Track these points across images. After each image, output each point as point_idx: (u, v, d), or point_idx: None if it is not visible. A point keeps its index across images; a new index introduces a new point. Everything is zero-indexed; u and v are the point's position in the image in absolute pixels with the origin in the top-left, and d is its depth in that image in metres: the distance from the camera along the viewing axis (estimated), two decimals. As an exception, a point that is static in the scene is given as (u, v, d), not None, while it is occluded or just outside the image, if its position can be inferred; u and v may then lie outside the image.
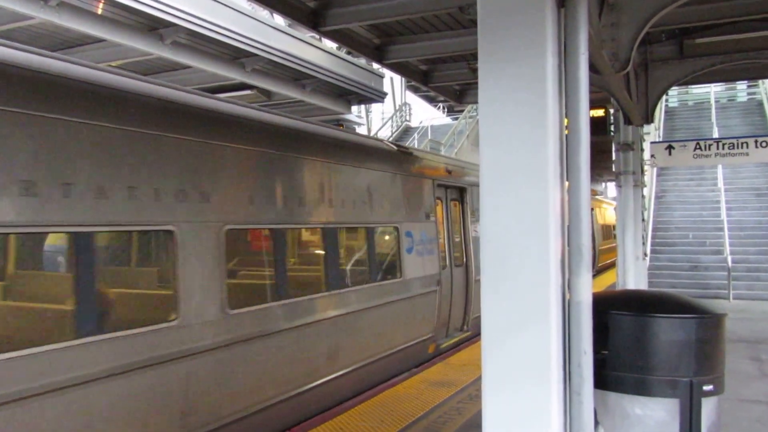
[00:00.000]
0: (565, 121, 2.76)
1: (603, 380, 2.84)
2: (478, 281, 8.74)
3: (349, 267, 6.31)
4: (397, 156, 7.52)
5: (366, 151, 6.94)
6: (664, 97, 16.65)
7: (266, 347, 4.82)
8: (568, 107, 2.73)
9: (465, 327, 8.90)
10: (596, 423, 2.86)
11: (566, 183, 2.75)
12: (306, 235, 5.81)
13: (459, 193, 9.05)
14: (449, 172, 8.78)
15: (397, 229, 7.01)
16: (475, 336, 8.54)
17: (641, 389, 2.78)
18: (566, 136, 2.75)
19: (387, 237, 7.02)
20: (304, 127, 5.94)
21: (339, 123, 15.46)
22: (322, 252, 5.81)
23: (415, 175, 7.69)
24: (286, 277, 5.19)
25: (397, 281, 6.90)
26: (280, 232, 5.16)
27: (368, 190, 6.54)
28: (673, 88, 10.65)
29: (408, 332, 7.07)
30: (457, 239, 8.90)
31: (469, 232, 9.05)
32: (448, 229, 8.58)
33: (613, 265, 19.98)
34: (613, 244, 21.15)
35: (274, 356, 4.93)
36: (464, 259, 8.94)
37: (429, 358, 7.52)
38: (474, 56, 8.49)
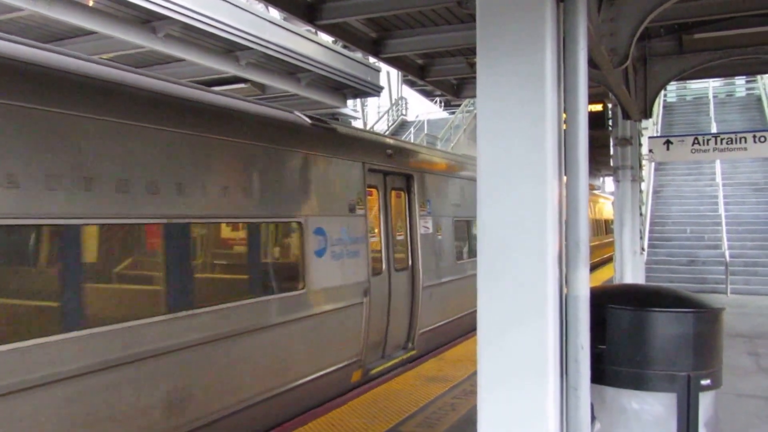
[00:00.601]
0: (563, 116, 2.78)
1: (600, 375, 2.87)
2: (428, 288, 7.61)
3: (212, 276, 4.84)
4: (309, 131, 5.91)
5: (255, 121, 5.33)
6: (663, 92, 16.71)
7: (43, 401, 3.30)
8: (566, 102, 2.75)
9: (410, 344, 7.33)
10: (593, 418, 2.89)
11: (564, 178, 2.77)
12: (131, 234, 4.08)
13: (404, 181, 7.56)
14: (390, 155, 7.23)
15: (300, 225, 5.48)
16: (425, 355, 7.44)
17: (639, 384, 2.82)
18: (564, 131, 2.76)
19: (283, 235, 5.58)
20: (134, 81, 4.35)
21: (334, 116, 15.44)
22: (161, 257, 4.20)
23: (336, 157, 6.13)
24: (82, 294, 3.62)
25: (295, 294, 5.36)
26: (75, 230, 3.59)
27: (254, 173, 5.06)
28: (672, 83, 10.68)
29: (316, 360, 5.59)
30: (401, 237, 7.46)
31: (417, 228, 7.57)
32: (386, 226, 7.07)
33: (604, 263, 20.04)
34: (605, 241, 21.20)
35: (65, 413, 3.42)
36: (409, 262, 7.43)
37: (352, 387, 6.14)
38: (471, 50, 8.49)
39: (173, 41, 10.23)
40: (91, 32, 9.43)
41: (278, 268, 5.54)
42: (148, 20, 9.55)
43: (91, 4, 8.83)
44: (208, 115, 4.77)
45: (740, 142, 10.09)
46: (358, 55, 14.02)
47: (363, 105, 25.60)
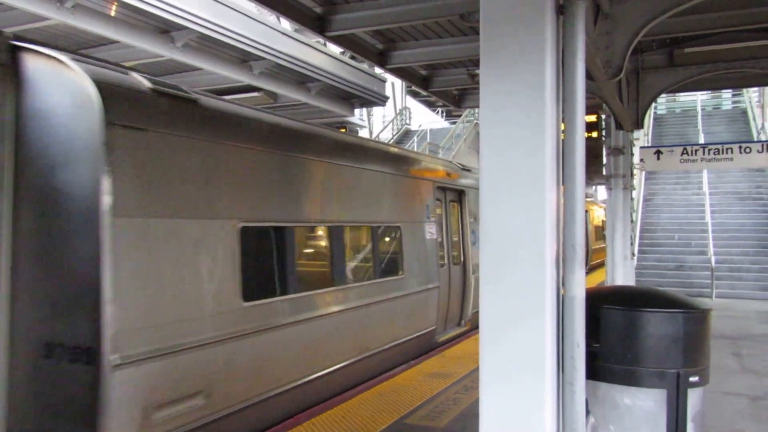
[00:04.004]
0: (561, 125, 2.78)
1: (594, 372, 2.86)
2: None
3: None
4: None
5: None
6: (653, 105, 16.69)
7: None
8: (564, 111, 2.75)
9: None
10: (587, 412, 2.89)
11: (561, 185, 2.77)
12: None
13: None
14: None
15: None
16: None
17: (631, 380, 2.81)
18: (562, 140, 2.76)
19: None
20: None
21: (342, 125, 15.46)
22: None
23: None
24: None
25: None
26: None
27: None
28: (662, 95, 10.69)
29: None
30: None
31: None
32: None
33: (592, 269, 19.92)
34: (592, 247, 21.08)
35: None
36: None
37: None
38: (473, 62, 8.50)
39: (191, 51, 10.27)
40: (114, 41, 9.47)
41: None
42: (167, 30, 9.59)
43: (113, 13, 8.87)
44: None
45: (727, 153, 10.07)
46: (365, 66, 14.04)
47: (369, 115, 25.64)
